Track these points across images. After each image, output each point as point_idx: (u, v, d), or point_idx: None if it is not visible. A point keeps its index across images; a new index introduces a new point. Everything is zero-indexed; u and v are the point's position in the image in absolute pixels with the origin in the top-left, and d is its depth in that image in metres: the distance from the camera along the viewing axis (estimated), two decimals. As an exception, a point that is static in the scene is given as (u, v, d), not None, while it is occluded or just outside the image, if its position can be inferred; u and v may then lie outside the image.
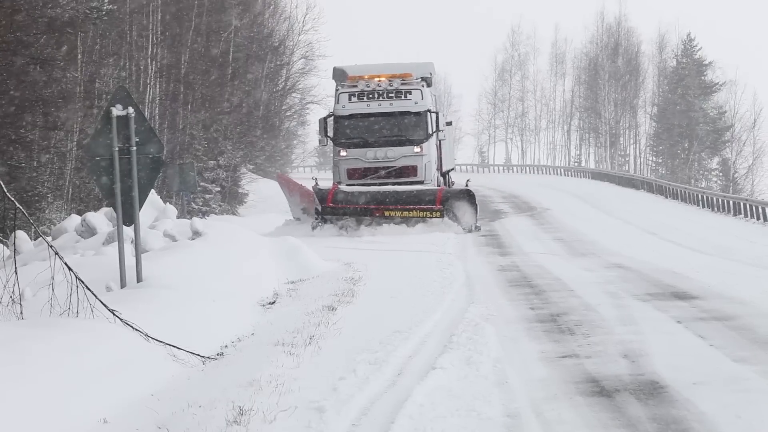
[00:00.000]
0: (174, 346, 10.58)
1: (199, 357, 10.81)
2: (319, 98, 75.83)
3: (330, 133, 31.81)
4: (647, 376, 10.05)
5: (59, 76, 26.99)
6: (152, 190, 17.46)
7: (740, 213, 41.55)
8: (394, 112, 31.70)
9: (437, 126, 31.90)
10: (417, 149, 31.50)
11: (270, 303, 15.22)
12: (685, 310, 14.23)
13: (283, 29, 72.45)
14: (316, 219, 29.80)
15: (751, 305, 14.42)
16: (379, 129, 31.69)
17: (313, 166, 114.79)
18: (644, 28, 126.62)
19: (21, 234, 19.23)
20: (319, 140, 32.68)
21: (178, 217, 24.00)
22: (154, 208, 22.41)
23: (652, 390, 9.46)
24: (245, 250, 17.77)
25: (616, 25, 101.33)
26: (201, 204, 43.70)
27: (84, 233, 19.94)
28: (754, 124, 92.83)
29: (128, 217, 13.28)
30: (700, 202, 48.21)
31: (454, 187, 35.12)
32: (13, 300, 10.58)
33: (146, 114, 33.94)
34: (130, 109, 13.05)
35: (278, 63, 68.79)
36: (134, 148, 13.07)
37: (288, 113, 74.34)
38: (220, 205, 46.20)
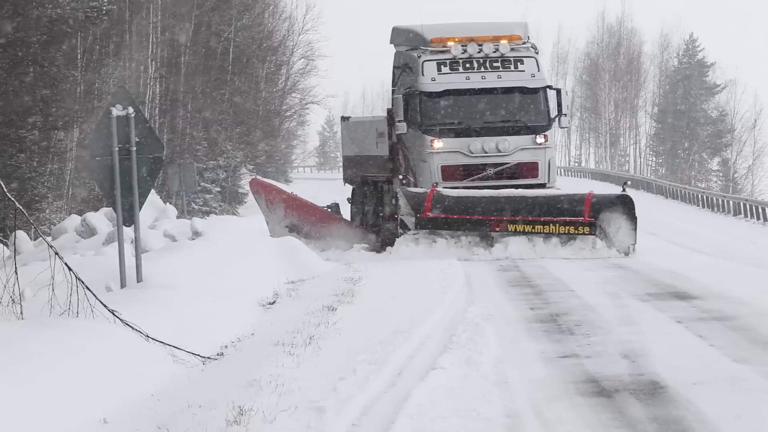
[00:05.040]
0: (174, 346, 10.58)
1: (199, 357, 10.81)
2: (319, 98, 75.94)
3: (411, 117, 23.30)
4: (647, 376, 10.03)
5: (59, 76, 26.97)
6: (152, 191, 17.48)
7: (740, 213, 41.62)
8: (504, 87, 23.63)
9: (560, 108, 23.82)
10: (539, 139, 23.74)
11: (270, 303, 15.20)
12: (685, 310, 14.21)
13: (283, 29, 72.50)
14: (405, 232, 22.24)
15: (752, 305, 14.39)
16: (485, 111, 23.70)
17: (312, 166, 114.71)
18: (647, 28, 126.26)
19: (21, 234, 19.26)
20: (396, 127, 23.35)
21: (178, 218, 24.03)
22: (154, 208, 22.46)
23: (652, 390, 9.44)
24: (245, 250, 17.77)
25: (618, 25, 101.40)
26: (201, 204, 43.75)
27: (84, 233, 19.99)
28: (754, 124, 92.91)
29: (128, 217, 13.28)
30: (700, 202, 48.28)
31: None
32: (13, 300, 10.58)
33: (146, 114, 33.92)
34: (130, 109, 13.05)
35: (278, 63, 68.81)
36: (134, 148, 13.08)
37: (288, 113, 74.33)
38: (220, 205, 46.24)
